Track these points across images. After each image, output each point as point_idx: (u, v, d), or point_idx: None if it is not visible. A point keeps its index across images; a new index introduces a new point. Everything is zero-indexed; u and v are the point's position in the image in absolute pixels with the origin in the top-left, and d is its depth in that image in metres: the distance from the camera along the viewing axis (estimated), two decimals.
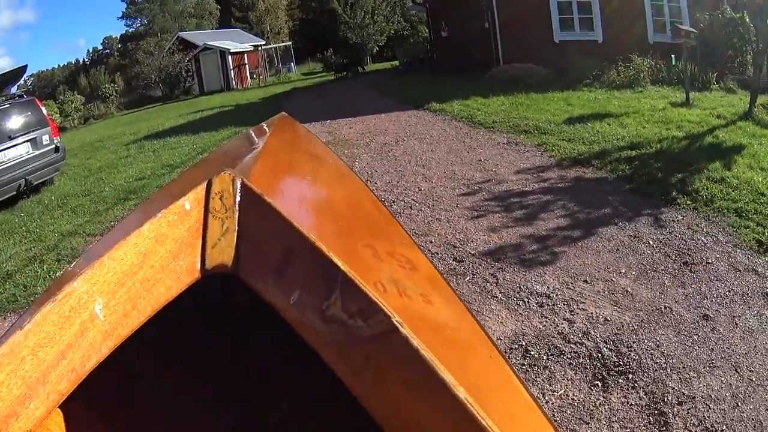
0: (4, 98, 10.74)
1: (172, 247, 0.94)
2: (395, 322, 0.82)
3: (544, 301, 4.05)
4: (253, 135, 2.47)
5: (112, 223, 7.58)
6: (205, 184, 1.01)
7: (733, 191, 5.60)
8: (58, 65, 67.10)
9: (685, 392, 2.96)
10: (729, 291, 3.94)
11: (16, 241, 8.05)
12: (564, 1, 15.05)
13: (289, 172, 1.74)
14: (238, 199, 0.99)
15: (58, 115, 27.67)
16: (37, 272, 6.66)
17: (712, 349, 3.31)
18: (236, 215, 0.98)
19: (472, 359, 1.11)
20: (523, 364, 3.34)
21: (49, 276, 6.40)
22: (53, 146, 10.50)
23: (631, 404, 2.93)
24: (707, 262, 4.37)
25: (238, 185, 1.01)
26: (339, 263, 0.89)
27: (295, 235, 0.93)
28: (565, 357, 3.36)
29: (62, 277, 1.36)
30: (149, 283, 0.91)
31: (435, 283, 1.41)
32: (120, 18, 59.67)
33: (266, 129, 2.37)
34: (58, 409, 1.07)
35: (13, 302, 6.08)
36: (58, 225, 8.15)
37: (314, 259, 0.91)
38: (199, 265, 0.95)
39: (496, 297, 4.18)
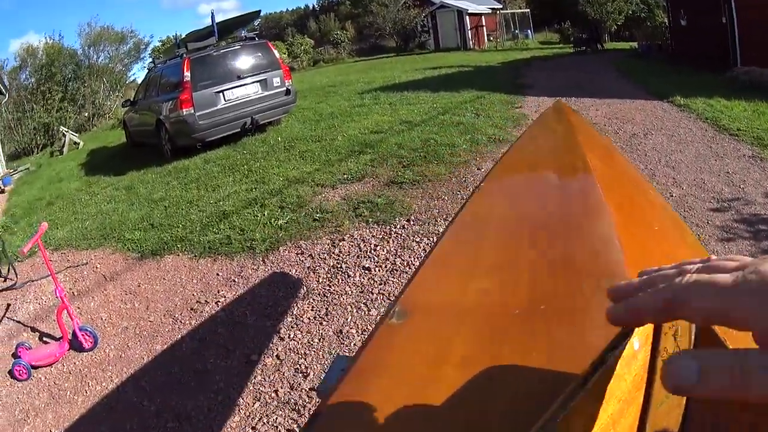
0: (232, 39, 11.37)
1: (614, 410, 0.64)
2: None
3: None
4: (557, 140, 1.90)
5: (345, 175, 6.91)
6: None
7: None
8: (287, 9, 70.10)
9: None
10: None
11: (236, 179, 7.74)
12: None
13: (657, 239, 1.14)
14: (692, 337, 0.74)
15: (286, 56, 28.79)
16: (257, 216, 6.23)
17: None
18: None
19: None
20: None
21: (270, 223, 5.90)
22: (284, 89, 10.74)
23: None
24: None
25: None
26: None
27: None
28: None
29: None
30: None
31: None
32: None
33: (565, 132, 1.85)
34: None
35: (227, 245, 5.68)
36: (283, 169, 7.72)
37: None
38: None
39: None
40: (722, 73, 12.62)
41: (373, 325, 3.84)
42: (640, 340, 0.69)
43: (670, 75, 13.98)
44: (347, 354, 3.36)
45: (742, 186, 5.94)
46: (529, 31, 35.87)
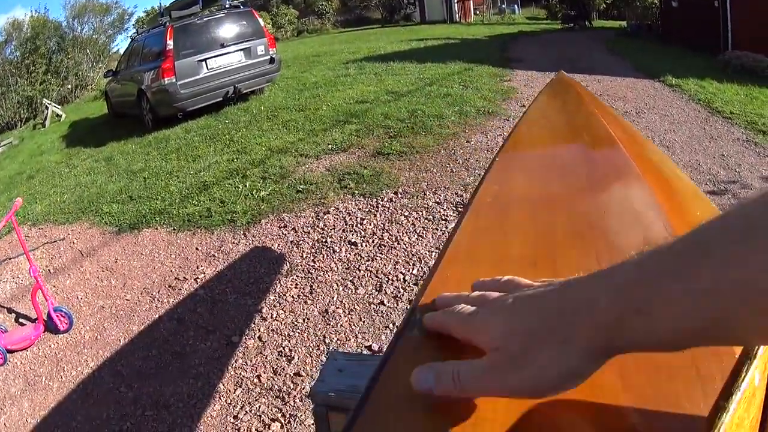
0: (216, 8, 11.11)
1: None
2: None
3: None
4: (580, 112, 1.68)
5: (329, 146, 6.71)
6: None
7: None
8: None
9: None
10: None
11: (217, 149, 7.54)
12: None
13: None
14: None
15: (270, 26, 28.45)
16: (238, 188, 6.04)
17: None
18: None
19: None
20: None
21: (252, 194, 5.71)
22: (267, 57, 10.59)
23: None
24: None
25: None
26: None
27: None
28: None
29: None
30: None
31: None
32: None
33: (576, 103, 1.72)
34: None
35: (207, 218, 5.49)
36: (266, 138, 7.52)
37: None
38: None
39: None
40: (713, 56, 12.58)
41: (359, 305, 3.69)
42: (761, 370, 0.54)
43: (660, 55, 13.90)
44: (340, 350, 3.19)
45: (737, 169, 5.86)
46: (515, 5, 35.76)
